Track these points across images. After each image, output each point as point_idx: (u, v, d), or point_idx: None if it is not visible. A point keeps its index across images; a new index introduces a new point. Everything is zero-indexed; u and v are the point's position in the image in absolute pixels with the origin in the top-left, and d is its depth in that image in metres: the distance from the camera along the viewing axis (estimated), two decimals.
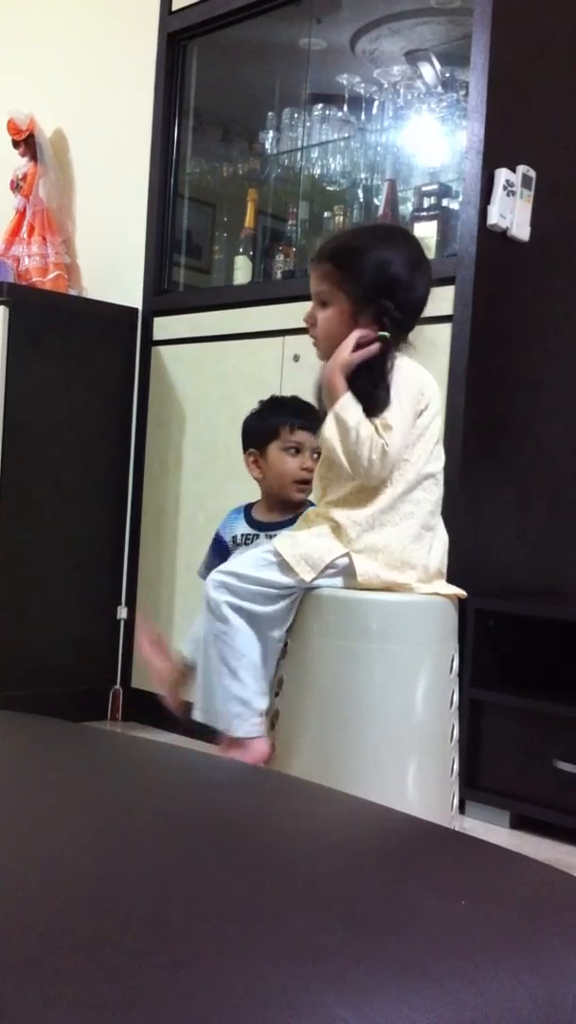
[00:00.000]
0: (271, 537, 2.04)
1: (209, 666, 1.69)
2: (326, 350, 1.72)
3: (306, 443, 2.00)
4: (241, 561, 1.69)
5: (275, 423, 2.02)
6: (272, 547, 1.66)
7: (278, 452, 2.03)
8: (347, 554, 1.64)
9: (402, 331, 1.69)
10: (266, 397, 2.14)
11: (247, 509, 2.14)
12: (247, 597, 1.65)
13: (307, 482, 1.97)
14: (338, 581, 1.65)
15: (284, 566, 1.63)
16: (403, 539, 1.65)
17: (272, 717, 1.72)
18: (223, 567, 1.71)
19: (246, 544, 2.09)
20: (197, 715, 1.73)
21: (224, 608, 1.65)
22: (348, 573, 1.64)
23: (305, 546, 1.65)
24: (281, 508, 2.07)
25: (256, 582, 1.65)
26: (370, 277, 1.68)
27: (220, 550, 2.16)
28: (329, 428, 1.66)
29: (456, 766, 1.72)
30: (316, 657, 1.65)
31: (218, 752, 1.69)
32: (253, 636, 1.66)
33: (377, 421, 1.61)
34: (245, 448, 2.11)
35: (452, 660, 1.70)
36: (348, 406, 1.63)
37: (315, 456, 2.04)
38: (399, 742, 1.63)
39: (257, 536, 2.07)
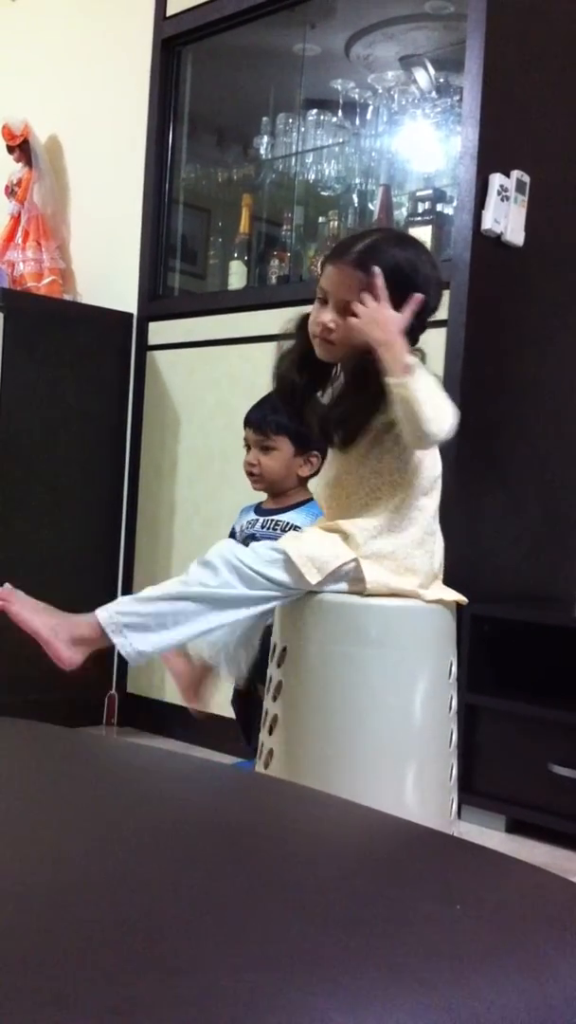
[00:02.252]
0: (267, 524, 2.09)
1: (168, 592, 1.62)
2: (340, 355, 1.67)
3: (249, 439, 2.14)
4: (251, 552, 1.63)
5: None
6: (280, 546, 1.61)
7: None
8: (355, 560, 1.61)
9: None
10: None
11: (261, 502, 2.23)
12: (245, 583, 1.60)
13: (252, 475, 2.14)
14: (343, 587, 1.63)
15: (289, 565, 1.59)
16: (407, 545, 1.64)
17: (271, 722, 1.71)
18: (238, 552, 1.64)
19: (248, 529, 2.17)
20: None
21: (203, 583, 1.60)
22: (354, 579, 1.62)
23: (313, 547, 1.61)
24: (276, 496, 2.17)
25: (258, 576, 1.60)
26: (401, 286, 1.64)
27: None
28: (398, 408, 1.53)
29: (455, 771, 1.72)
30: (315, 662, 1.65)
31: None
32: (208, 624, 1.61)
33: None
34: None
35: (451, 665, 1.70)
36: (420, 379, 1.53)
37: (314, 457, 2.08)
38: (398, 747, 1.63)
39: (256, 521, 2.16)
